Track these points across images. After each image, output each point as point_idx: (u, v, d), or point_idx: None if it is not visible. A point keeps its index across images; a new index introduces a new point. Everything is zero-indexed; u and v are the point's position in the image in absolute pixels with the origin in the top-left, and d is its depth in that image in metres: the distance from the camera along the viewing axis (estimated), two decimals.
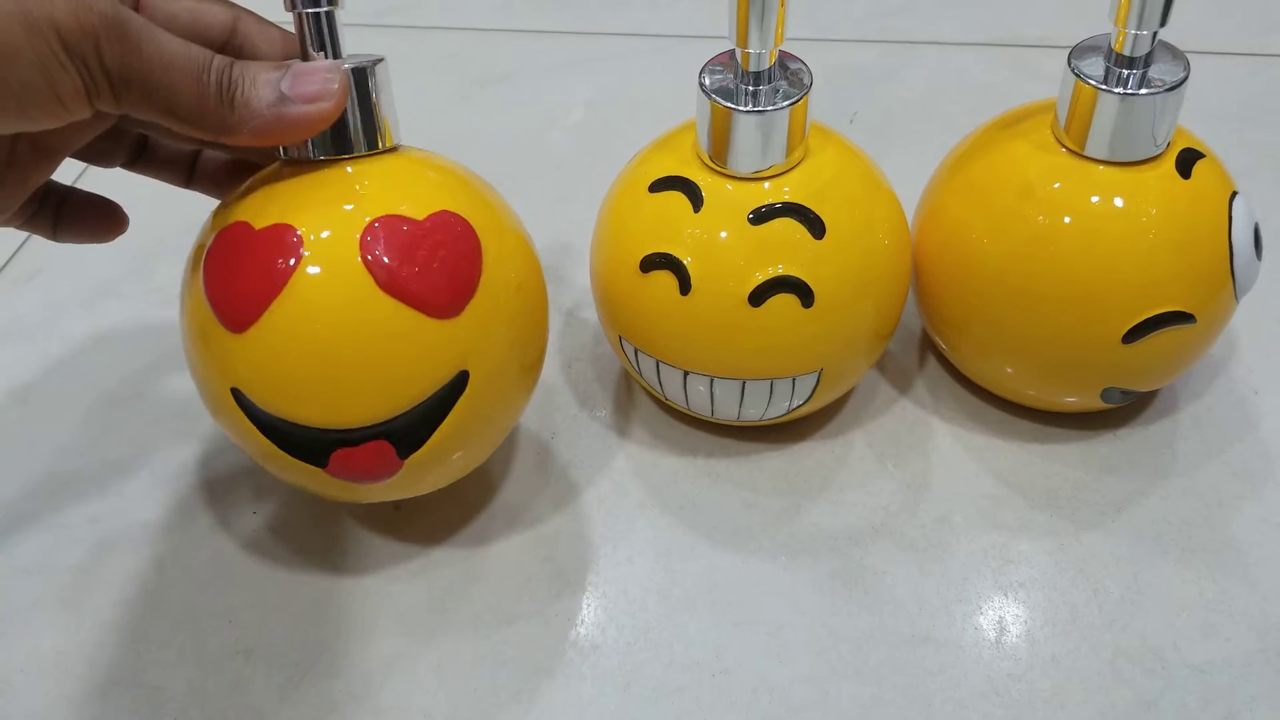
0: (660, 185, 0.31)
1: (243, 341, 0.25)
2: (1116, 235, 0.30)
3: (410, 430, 0.27)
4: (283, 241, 0.25)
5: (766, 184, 0.30)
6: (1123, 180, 0.30)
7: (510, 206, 0.32)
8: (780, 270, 0.30)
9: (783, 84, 0.29)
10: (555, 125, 0.49)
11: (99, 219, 0.30)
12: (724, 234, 0.30)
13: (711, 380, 0.31)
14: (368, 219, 0.25)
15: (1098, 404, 0.33)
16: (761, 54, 0.28)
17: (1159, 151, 0.30)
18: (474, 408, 0.27)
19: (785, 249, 0.30)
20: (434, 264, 0.26)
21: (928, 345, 0.38)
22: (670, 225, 0.30)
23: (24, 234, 0.44)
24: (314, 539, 0.33)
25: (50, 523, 0.34)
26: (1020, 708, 0.28)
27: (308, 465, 0.27)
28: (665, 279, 0.30)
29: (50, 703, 0.29)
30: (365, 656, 0.30)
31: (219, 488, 0.34)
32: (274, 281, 0.25)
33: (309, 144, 0.26)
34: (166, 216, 0.42)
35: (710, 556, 0.32)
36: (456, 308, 0.26)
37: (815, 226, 0.30)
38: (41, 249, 0.44)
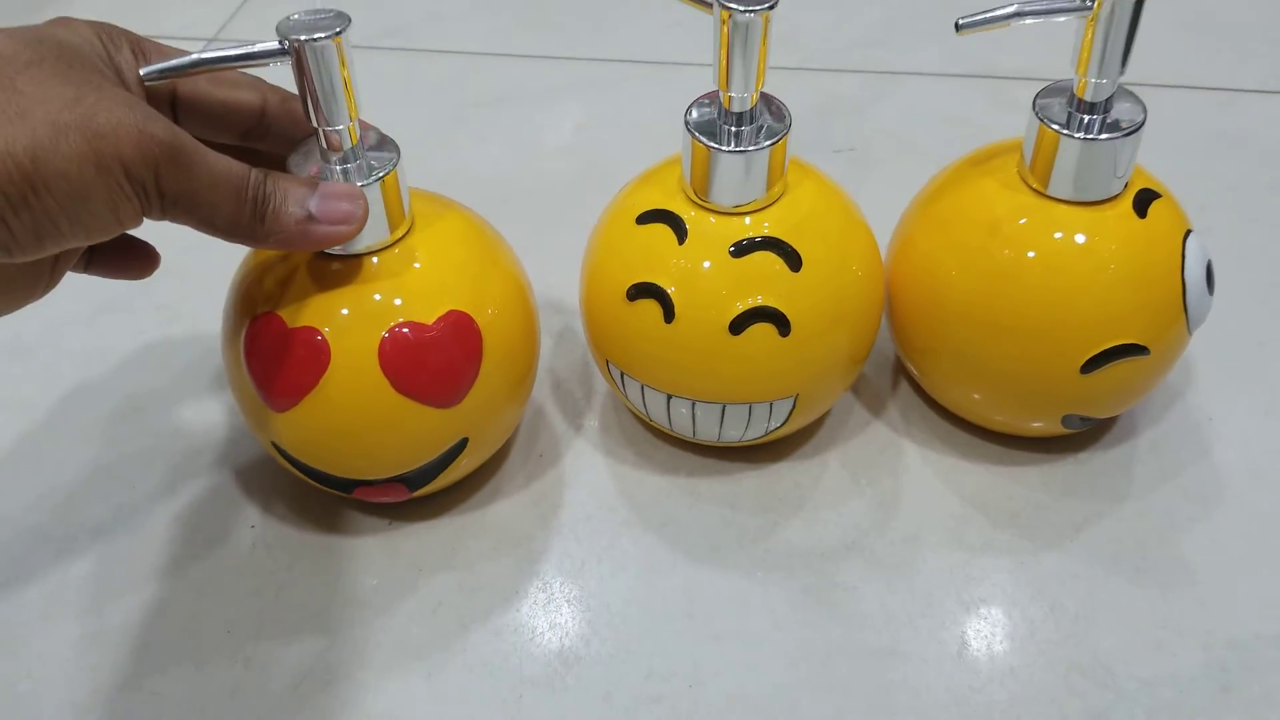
0: (647, 218, 0.32)
1: (281, 418, 0.30)
2: (1076, 272, 0.32)
3: (420, 477, 0.32)
4: (313, 346, 0.29)
5: (748, 219, 0.32)
6: (1083, 219, 0.32)
7: (506, 244, 0.34)
8: (759, 301, 0.31)
9: (766, 121, 0.31)
10: (549, 147, 0.51)
11: (130, 259, 0.31)
12: (706, 265, 0.31)
13: (693, 404, 0.33)
14: (386, 327, 0.29)
15: (1059, 429, 0.35)
16: (744, 97, 0.30)
17: (1118, 192, 0.32)
18: (473, 454, 0.33)
19: (764, 281, 0.31)
20: (440, 369, 0.30)
21: (901, 370, 0.40)
22: (656, 256, 0.32)
23: None
24: (309, 553, 0.34)
25: (54, 534, 0.35)
26: (978, 718, 0.30)
27: (334, 490, 0.33)
28: (650, 307, 0.32)
29: (55, 708, 0.30)
30: (360, 666, 0.31)
31: (218, 502, 0.36)
32: (307, 382, 0.29)
33: None
34: (169, 235, 0.43)
35: (690, 572, 0.33)
36: (459, 399, 0.31)
37: (792, 260, 0.31)
38: None
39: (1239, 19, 0.58)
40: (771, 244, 0.31)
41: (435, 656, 0.31)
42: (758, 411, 0.33)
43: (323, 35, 0.26)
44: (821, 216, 0.33)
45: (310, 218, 0.27)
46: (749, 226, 0.32)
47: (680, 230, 0.32)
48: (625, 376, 0.34)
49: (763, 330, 0.31)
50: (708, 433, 0.34)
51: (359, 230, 0.28)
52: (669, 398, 0.33)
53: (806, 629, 0.32)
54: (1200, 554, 0.34)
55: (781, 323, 0.31)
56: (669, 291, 0.31)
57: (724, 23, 0.28)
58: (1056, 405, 0.34)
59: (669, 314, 0.31)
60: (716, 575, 0.33)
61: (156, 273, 0.44)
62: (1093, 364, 0.32)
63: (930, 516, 0.35)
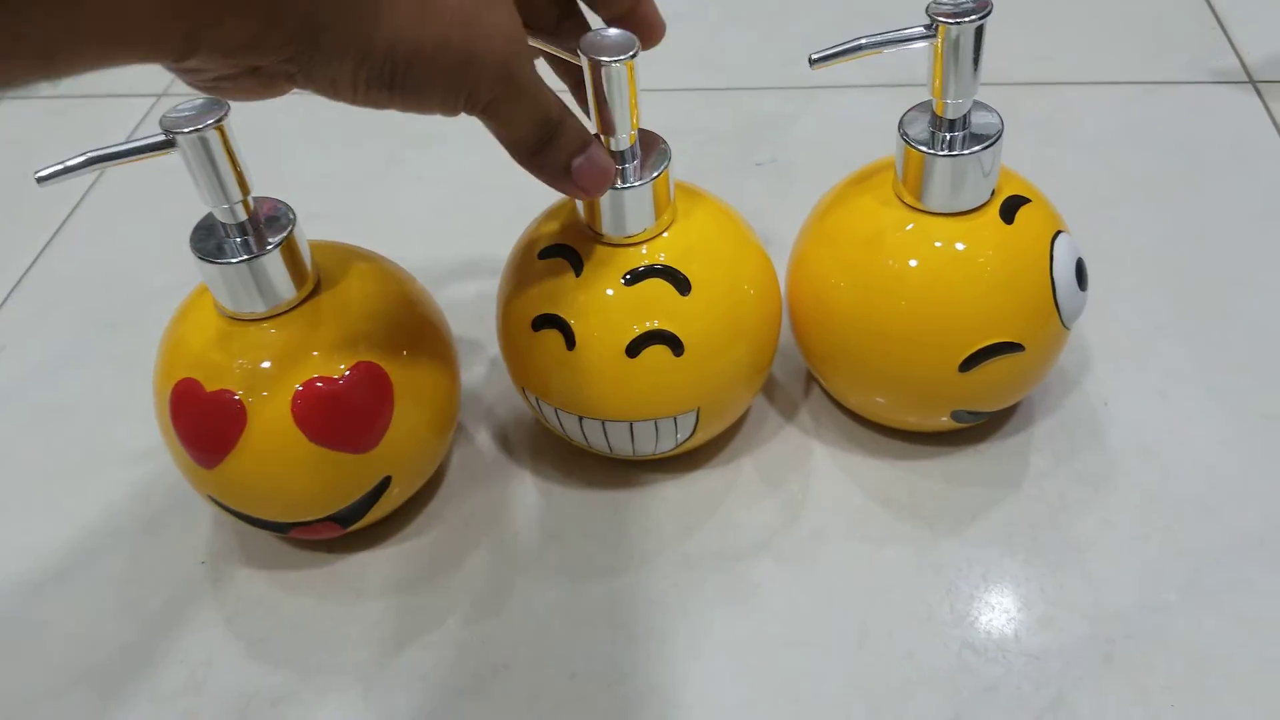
0: (547, 253, 0.35)
1: (210, 473, 0.33)
2: (949, 278, 0.34)
3: (350, 514, 0.34)
4: (230, 408, 0.31)
5: (644, 248, 0.34)
6: (953, 229, 0.34)
7: (419, 286, 0.36)
8: (654, 325, 0.33)
9: (646, 157, 0.33)
10: (484, 184, 0.53)
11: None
12: (609, 292, 0.34)
13: (603, 423, 0.35)
14: (297, 383, 0.31)
15: (953, 424, 0.37)
16: (622, 138, 0.32)
17: (985, 200, 0.34)
18: (401, 488, 0.35)
19: (656, 306, 0.34)
20: (352, 418, 0.32)
21: (812, 377, 0.42)
22: (556, 288, 0.34)
23: None
24: (254, 586, 0.36)
25: (25, 581, 0.37)
26: (876, 698, 0.32)
27: (272, 531, 0.35)
28: (554, 336, 0.34)
29: None
30: (302, 686, 0.33)
31: (169, 541, 0.38)
32: (228, 441, 0.32)
33: (250, 303, 0.31)
34: (124, 289, 0.46)
35: (611, 580, 0.36)
36: (374, 443, 0.33)
37: (682, 285, 0.34)
38: (3, 327, 0.48)
39: (1147, 14, 0.60)
40: (660, 271, 0.34)
41: (371, 674, 0.34)
42: (664, 426, 0.35)
43: (208, 123, 0.28)
44: (712, 241, 0.35)
45: (568, 170, 0.29)
46: (643, 255, 0.34)
47: (577, 263, 0.34)
48: (540, 401, 0.36)
49: (658, 351, 0.34)
50: (623, 448, 0.37)
51: (600, 194, 0.31)
52: (580, 419, 0.36)
53: (718, 626, 0.34)
54: (1089, 533, 0.36)
55: (675, 343, 0.34)
56: (569, 322, 0.34)
57: (592, 73, 0.31)
58: (943, 403, 0.36)
59: (570, 341, 0.34)
60: (635, 581, 0.36)
61: (111, 326, 0.47)
62: (970, 362, 0.34)
63: (836, 513, 0.37)
